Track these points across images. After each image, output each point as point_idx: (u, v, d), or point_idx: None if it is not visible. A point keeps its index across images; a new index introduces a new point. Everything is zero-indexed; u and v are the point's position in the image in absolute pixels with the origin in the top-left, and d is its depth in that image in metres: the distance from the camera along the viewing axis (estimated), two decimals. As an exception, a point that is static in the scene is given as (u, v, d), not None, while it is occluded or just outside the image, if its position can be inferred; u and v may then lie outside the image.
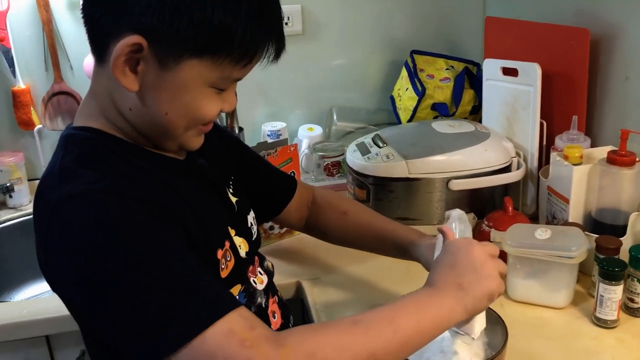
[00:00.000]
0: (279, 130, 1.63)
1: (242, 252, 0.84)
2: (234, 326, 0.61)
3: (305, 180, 1.54)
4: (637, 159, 1.07)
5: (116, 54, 0.67)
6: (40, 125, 1.58)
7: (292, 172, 1.36)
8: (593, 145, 1.25)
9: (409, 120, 1.55)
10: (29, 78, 1.56)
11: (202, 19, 0.65)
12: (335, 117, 1.66)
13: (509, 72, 1.35)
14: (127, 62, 0.68)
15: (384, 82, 1.73)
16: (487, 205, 1.26)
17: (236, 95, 0.83)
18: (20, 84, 1.55)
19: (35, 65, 1.56)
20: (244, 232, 0.87)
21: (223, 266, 0.79)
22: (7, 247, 1.54)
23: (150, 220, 0.67)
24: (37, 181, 1.58)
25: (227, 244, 0.81)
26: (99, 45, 0.70)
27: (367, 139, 1.34)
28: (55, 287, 0.72)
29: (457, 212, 0.91)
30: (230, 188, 0.90)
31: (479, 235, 1.16)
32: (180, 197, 0.75)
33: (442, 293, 0.73)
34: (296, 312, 1.13)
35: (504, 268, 0.79)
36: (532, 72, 1.26)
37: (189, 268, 0.65)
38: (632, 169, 1.07)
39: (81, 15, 0.71)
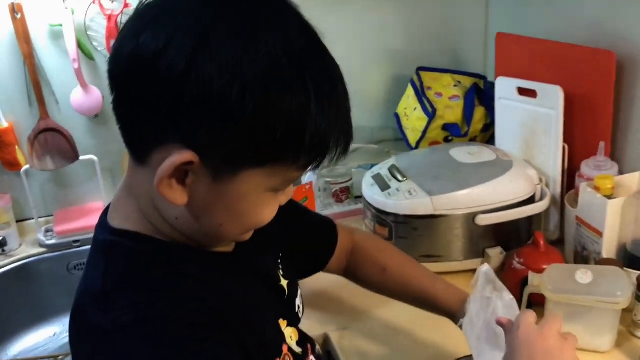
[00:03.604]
0: (282, 156, 1.55)
1: (294, 345, 0.78)
2: None
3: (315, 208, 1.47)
4: (676, 192, 1.03)
5: (162, 172, 0.57)
6: (28, 166, 1.47)
7: (308, 211, 1.29)
8: (620, 170, 1.21)
9: (419, 141, 1.49)
10: (11, 115, 1.45)
11: (265, 130, 0.56)
12: (339, 139, 1.59)
13: (526, 92, 1.30)
14: (174, 175, 0.58)
15: (388, 98, 1.66)
16: (512, 237, 1.22)
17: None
18: (3, 123, 1.43)
19: (18, 102, 1.44)
20: (294, 320, 0.81)
21: None
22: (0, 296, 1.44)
23: (209, 346, 0.60)
24: (27, 222, 1.52)
25: (285, 348, 0.74)
26: (138, 148, 0.61)
27: (384, 170, 1.28)
28: None
29: (484, 269, 0.87)
30: (280, 269, 0.83)
31: (511, 272, 1.12)
32: (235, 305, 0.68)
33: None
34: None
35: (576, 342, 0.74)
36: (553, 95, 1.21)
37: None
38: (671, 202, 1.03)
39: (113, 111, 0.61)
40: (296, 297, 0.85)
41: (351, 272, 1.03)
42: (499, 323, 0.78)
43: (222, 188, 0.60)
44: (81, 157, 1.48)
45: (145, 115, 0.57)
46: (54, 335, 1.48)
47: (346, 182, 1.51)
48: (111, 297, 0.61)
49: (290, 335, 0.77)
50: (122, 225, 0.66)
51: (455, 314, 0.90)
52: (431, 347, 1.03)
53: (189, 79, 0.54)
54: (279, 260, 0.84)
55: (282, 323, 0.77)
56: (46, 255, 1.49)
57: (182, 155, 0.56)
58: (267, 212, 0.66)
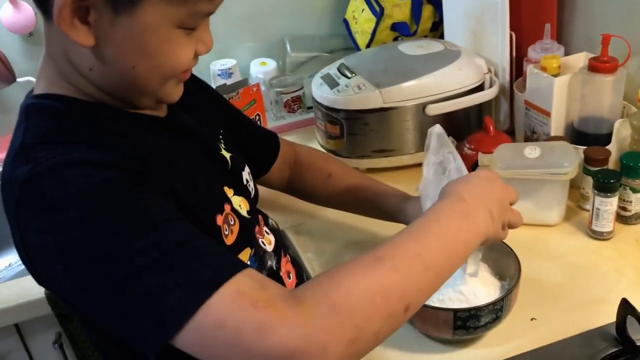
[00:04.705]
0: (230, 69, 1.51)
1: (244, 213, 0.77)
2: (243, 288, 0.52)
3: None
4: (619, 64, 1.03)
5: (59, 4, 0.56)
6: (-39, 91, 1.40)
7: (257, 114, 1.27)
8: (566, 53, 1.21)
9: (368, 44, 1.46)
10: (-63, 38, 1.37)
11: None
12: (288, 48, 1.55)
13: (471, -18, 1.27)
14: (75, 12, 0.57)
15: (335, 4, 1.62)
16: (462, 127, 1.22)
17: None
18: None
19: (-57, 23, 1.36)
20: (242, 190, 0.79)
21: (226, 232, 0.71)
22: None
23: (134, 187, 0.58)
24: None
25: (227, 207, 0.73)
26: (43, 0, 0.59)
27: (332, 70, 1.25)
28: (38, 277, 0.63)
29: (436, 130, 0.86)
30: (222, 143, 0.81)
31: (462, 159, 1.12)
32: (167, 162, 0.66)
33: (476, 213, 0.65)
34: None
35: (518, 221, 0.74)
36: (498, -19, 1.19)
37: (182, 232, 0.57)
38: (614, 75, 1.03)
39: None
40: (242, 170, 0.84)
41: (295, 182, 1.03)
42: None
43: (126, 22, 0.58)
44: (19, 79, 1.41)
45: None
46: (9, 265, 1.45)
47: (297, 90, 1.48)
48: (31, 151, 0.59)
49: (239, 203, 0.76)
50: (45, 90, 0.65)
51: (400, 213, 0.91)
52: (382, 239, 1.03)
53: None
54: (221, 137, 0.82)
55: (228, 191, 0.76)
56: (-8, 185, 1.44)
57: None
58: (180, 53, 0.63)
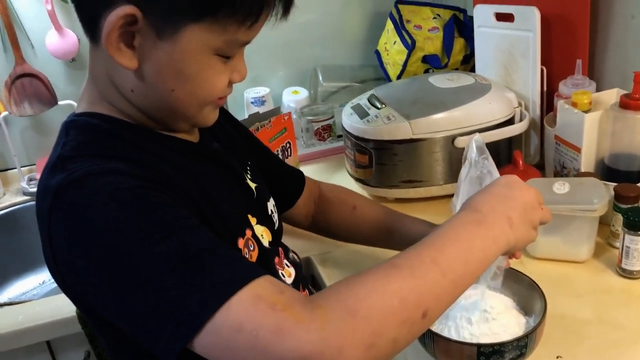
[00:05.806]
0: (263, 97, 1.54)
1: (265, 242, 0.78)
2: (262, 291, 0.53)
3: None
4: (651, 102, 1.03)
5: (108, 28, 0.59)
6: (6, 112, 1.46)
7: (288, 142, 1.29)
8: (597, 89, 1.21)
9: (399, 76, 1.48)
10: (-14, 62, 1.44)
11: None
12: (320, 78, 1.58)
13: (503, 17, 1.29)
14: (122, 37, 0.60)
15: (367, 36, 1.65)
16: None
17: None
18: (-22, 69, 1.42)
19: (-8, 48, 1.43)
20: (265, 221, 0.81)
21: (246, 256, 0.73)
22: (-14, 245, 1.44)
23: (159, 196, 0.60)
24: (9, 171, 1.51)
25: (249, 232, 0.75)
26: (89, 21, 0.63)
27: (363, 100, 1.27)
28: (65, 286, 0.64)
29: (476, 138, 0.83)
30: (248, 173, 0.83)
31: (490, 192, 1.12)
32: (196, 183, 0.68)
33: (491, 221, 0.65)
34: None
35: (549, 217, 0.74)
36: (530, 17, 1.20)
37: (204, 239, 0.58)
38: (646, 112, 1.03)
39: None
40: (267, 201, 0.85)
41: (320, 217, 1.04)
42: None
43: (167, 46, 0.61)
44: (60, 103, 1.47)
45: None
46: (42, 282, 1.49)
47: (328, 119, 1.50)
48: (67, 162, 0.62)
49: (261, 233, 0.78)
50: (86, 109, 0.68)
51: None
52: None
53: None
54: (248, 168, 0.84)
55: (252, 219, 0.77)
56: (31, 204, 1.49)
57: (124, 9, 0.58)
58: (216, 80, 0.66)
